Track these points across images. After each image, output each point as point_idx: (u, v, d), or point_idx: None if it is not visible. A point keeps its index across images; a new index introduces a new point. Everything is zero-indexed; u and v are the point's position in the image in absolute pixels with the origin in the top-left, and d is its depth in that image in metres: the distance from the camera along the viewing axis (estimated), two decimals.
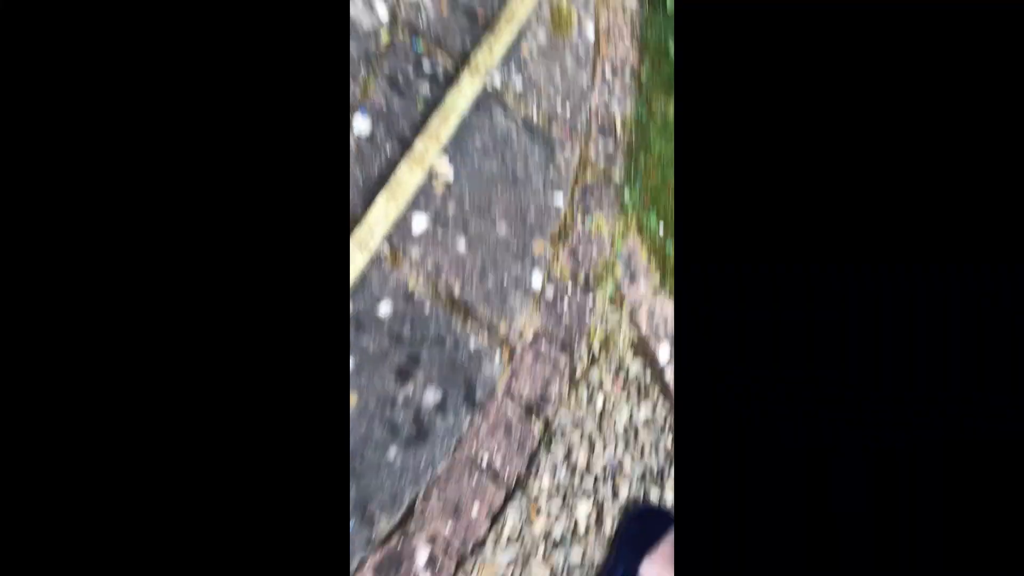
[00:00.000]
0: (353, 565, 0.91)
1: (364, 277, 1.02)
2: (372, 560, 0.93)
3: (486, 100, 1.21)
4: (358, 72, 1.08)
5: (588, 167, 1.38)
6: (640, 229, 1.38)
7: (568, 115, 1.37)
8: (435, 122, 1.09)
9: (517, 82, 1.27)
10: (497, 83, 1.23)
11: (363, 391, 0.98)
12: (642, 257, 1.36)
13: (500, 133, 1.24)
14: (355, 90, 1.08)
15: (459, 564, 0.99)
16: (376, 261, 1.04)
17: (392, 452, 0.98)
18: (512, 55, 1.26)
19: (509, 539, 1.05)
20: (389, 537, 0.95)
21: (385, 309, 1.03)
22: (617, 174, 1.41)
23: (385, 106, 1.10)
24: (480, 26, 1.23)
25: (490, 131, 1.23)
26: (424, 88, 1.14)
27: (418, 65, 1.15)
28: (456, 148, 1.16)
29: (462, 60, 1.19)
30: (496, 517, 1.05)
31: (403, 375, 1.02)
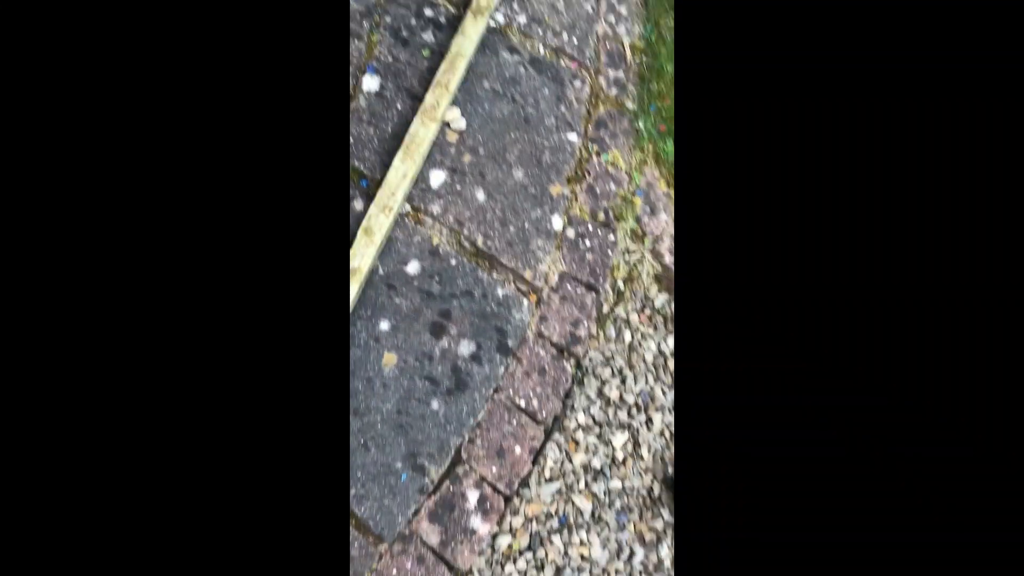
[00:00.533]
0: (409, 513, 0.97)
1: (390, 239, 1.02)
2: (426, 507, 0.98)
3: (491, 40, 1.17)
4: (362, 29, 1.05)
5: (600, 99, 1.34)
6: (657, 158, 1.36)
7: (575, 45, 1.32)
8: (443, 71, 1.06)
9: (520, 17, 1.22)
10: (500, 20, 1.19)
11: (400, 349, 1.01)
12: (661, 187, 1.35)
13: (508, 74, 1.21)
14: (361, 48, 1.05)
15: (507, 502, 1.05)
16: (400, 221, 1.04)
17: (435, 404, 1.01)
18: None
19: (551, 474, 1.10)
20: (440, 484, 1.00)
21: (413, 268, 1.04)
22: (630, 102, 1.38)
23: (391, 60, 1.07)
24: None
25: (498, 73, 1.19)
26: (428, 36, 1.11)
27: (420, 13, 1.11)
28: (465, 95, 1.13)
29: (464, 2, 1.14)
30: (538, 455, 1.10)
31: (437, 330, 1.04)
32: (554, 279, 1.17)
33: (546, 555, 1.07)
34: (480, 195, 1.12)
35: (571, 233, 1.20)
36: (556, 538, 1.07)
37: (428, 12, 1.12)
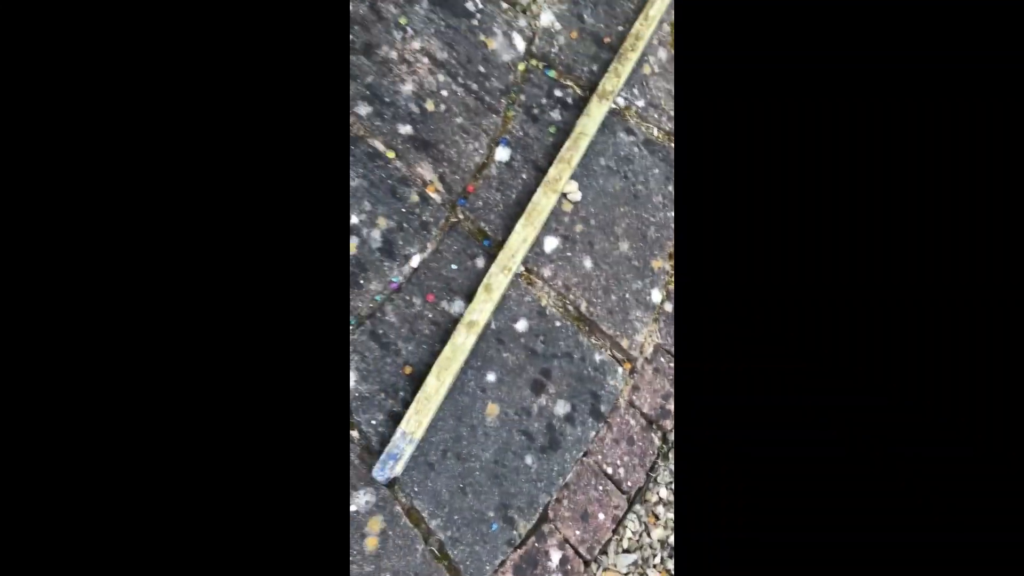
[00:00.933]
0: (496, 563, 0.99)
1: (504, 296, 1.09)
2: (512, 560, 1.01)
3: (610, 121, 1.26)
4: (499, 105, 1.15)
5: None
6: None
7: None
8: (566, 147, 1.15)
9: (639, 101, 1.30)
10: (621, 103, 1.27)
11: (503, 402, 1.06)
12: None
13: (623, 152, 1.28)
14: (497, 122, 1.15)
15: (586, 565, 1.06)
16: (514, 281, 1.11)
17: (529, 459, 1.05)
18: (635, 76, 1.29)
19: (629, 545, 1.11)
20: (527, 539, 1.02)
21: (522, 326, 1.10)
22: None
23: (522, 135, 1.17)
24: (607, 49, 1.28)
25: (614, 151, 1.27)
26: (555, 115, 1.20)
27: (550, 93, 1.20)
28: (583, 169, 1.21)
29: (590, 86, 1.23)
30: (619, 524, 1.11)
31: (537, 387, 1.09)
32: (649, 350, 1.20)
33: None
34: (587, 263, 1.18)
35: (668, 307, 1.24)
36: None
37: (558, 93, 1.22)
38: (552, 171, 1.13)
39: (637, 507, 1.13)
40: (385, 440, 0.97)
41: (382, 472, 0.93)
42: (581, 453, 1.09)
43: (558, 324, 1.14)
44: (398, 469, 0.95)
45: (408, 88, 1.14)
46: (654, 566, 1.12)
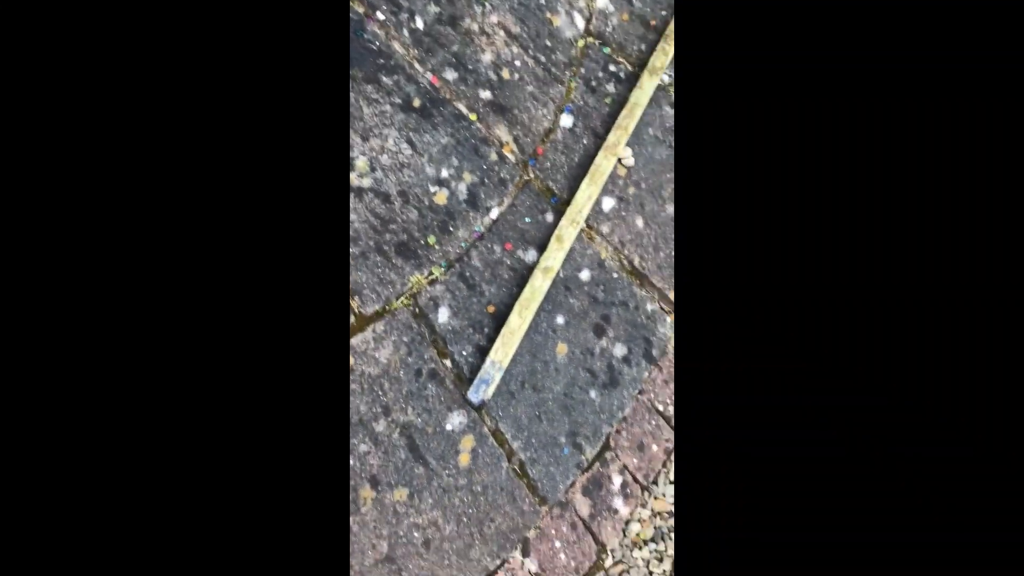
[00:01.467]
0: (567, 483, 1.11)
1: (571, 248, 1.21)
2: (580, 482, 1.12)
3: (656, 96, 1.38)
4: (564, 76, 1.27)
5: None
6: None
7: None
8: (623, 116, 1.27)
9: None
10: (666, 80, 1.40)
11: (571, 342, 1.18)
12: None
13: (668, 124, 1.40)
14: (561, 91, 1.27)
15: (643, 491, 1.18)
16: (578, 235, 1.23)
17: (593, 394, 1.17)
18: None
19: (675, 478, 1.23)
20: (592, 464, 1.14)
21: (585, 275, 1.22)
22: None
23: (583, 104, 1.29)
24: (653, 31, 1.40)
25: (660, 122, 1.39)
26: (610, 87, 1.32)
27: (606, 68, 1.32)
28: (634, 138, 1.33)
29: (639, 63, 1.35)
30: (668, 457, 1.23)
31: (598, 331, 1.21)
32: None
33: (665, 549, 1.19)
34: (639, 222, 1.30)
35: None
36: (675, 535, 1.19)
37: (612, 68, 1.34)
38: (611, 137, 1.25)
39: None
40: (474, 369, 1.09)
41: (476, 394, 1.05)
42: (636, 391, 1.21)
43: (615, 276, 1.26)
44: (489, 392, 1.06)
45: (488, 57, 1.25)
46: None
